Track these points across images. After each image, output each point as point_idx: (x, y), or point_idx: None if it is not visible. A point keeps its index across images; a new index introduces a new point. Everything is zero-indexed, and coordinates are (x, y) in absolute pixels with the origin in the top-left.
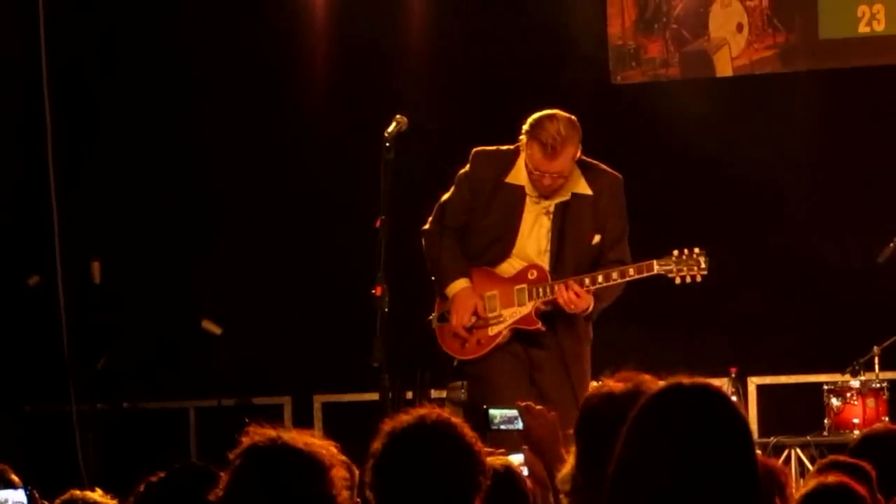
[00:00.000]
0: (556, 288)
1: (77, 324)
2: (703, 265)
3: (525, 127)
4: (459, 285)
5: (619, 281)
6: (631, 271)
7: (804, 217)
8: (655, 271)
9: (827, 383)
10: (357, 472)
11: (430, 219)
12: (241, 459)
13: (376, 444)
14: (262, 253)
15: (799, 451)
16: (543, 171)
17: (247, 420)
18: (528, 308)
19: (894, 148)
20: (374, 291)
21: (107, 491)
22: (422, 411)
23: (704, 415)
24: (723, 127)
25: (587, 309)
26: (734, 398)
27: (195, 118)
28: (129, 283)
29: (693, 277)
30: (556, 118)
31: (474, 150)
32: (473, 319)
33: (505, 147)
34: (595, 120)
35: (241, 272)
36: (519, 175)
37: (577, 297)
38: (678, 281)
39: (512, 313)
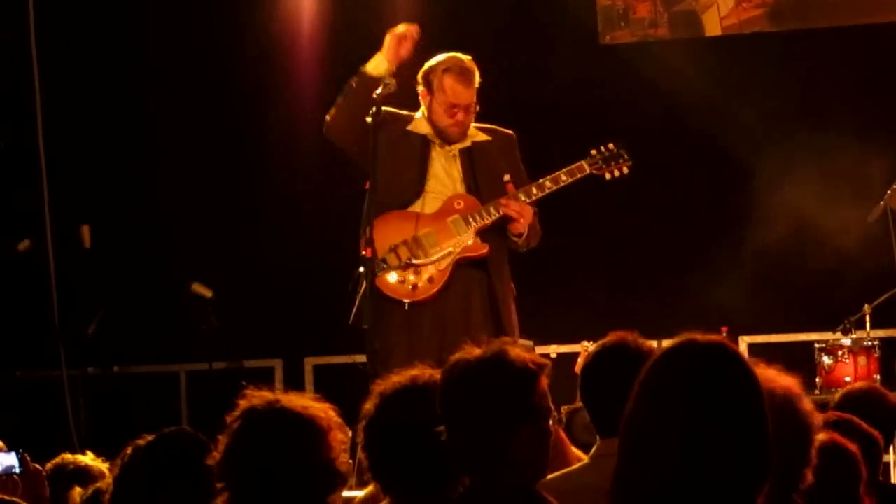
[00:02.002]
0: (498, 204)
1: (67, 288)
2: (626, 157)
3: (423, 74)
4: (378, 57)
5: (554, 188)
6: (563, 177)
7: (793, 176)
8: (587, 171)
9: (818, 342)
10: (350, 434)
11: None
12: (239, 423)
13: (368, 406)
14: (251, 215)
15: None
16: (458, 101)
17: (243, 383)
18: (469, 235)
19: (884, 107)
20: (363, 253)
21: (98, 454)
22: (413, 372)
23: (718, 371)
24: (711, 86)
25: (526, 229)
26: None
27: (184, 82)
28: (119, 247)
29: (621, 170)
30: (454, 54)
31: (373, 109)
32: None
33: (401, 111)
34: (584, 80)
35: (231, 235)
36: (420, 126)
37: (523, 207)
38: (608, 177)
39: (455, 244)
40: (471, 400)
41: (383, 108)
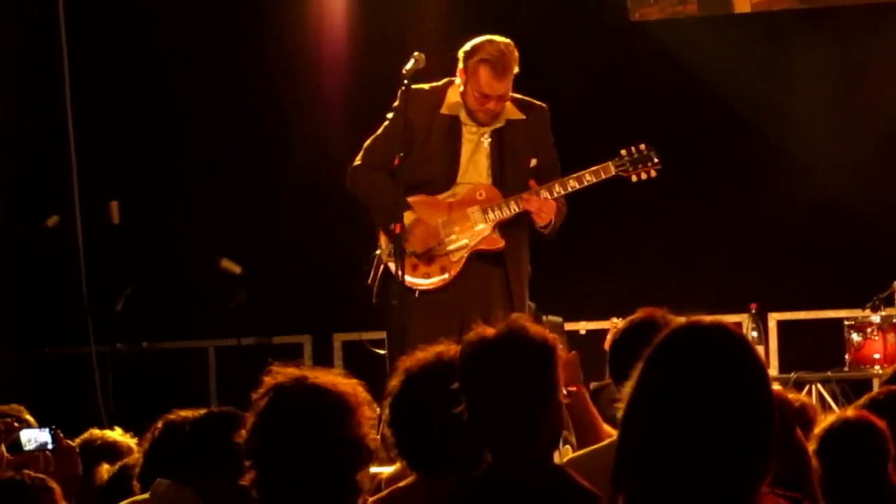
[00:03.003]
0: (518, 200)
1: (96, 265)
2: (655, 159)
3: (463, 54)
4: (409, 217)
5: (577, 187)
6: (588, 177)
7: (823, 153)
8: (613, 173)
9: (847, 319)
10: (377, 411)
11: (358, 158)
12: (267, 400)
13: (394, 382)
14: (281, 191)
15: (820, 386)
16: (490, 93)
17: (269, 360)
18: (487, 228)
19: None
20: (393, 228)
21: (126, 430)
22: (439, 348)
23: (721, 354)
24: (740, 63)
25: (551, 221)
26: (754, 334)
27: (212, 57)
28: (147, 223)
29: (648, 173)
30: (495, 41)
31: (403, 88)
32: (434, 243)
33: (432, 84)
34: (612, 57)
35: (260, 210)
36: (452, 107)
37: (544, 203)
38: (634, 179)
39: (472, 236)
40: (490, 376)
41: (413, 86)
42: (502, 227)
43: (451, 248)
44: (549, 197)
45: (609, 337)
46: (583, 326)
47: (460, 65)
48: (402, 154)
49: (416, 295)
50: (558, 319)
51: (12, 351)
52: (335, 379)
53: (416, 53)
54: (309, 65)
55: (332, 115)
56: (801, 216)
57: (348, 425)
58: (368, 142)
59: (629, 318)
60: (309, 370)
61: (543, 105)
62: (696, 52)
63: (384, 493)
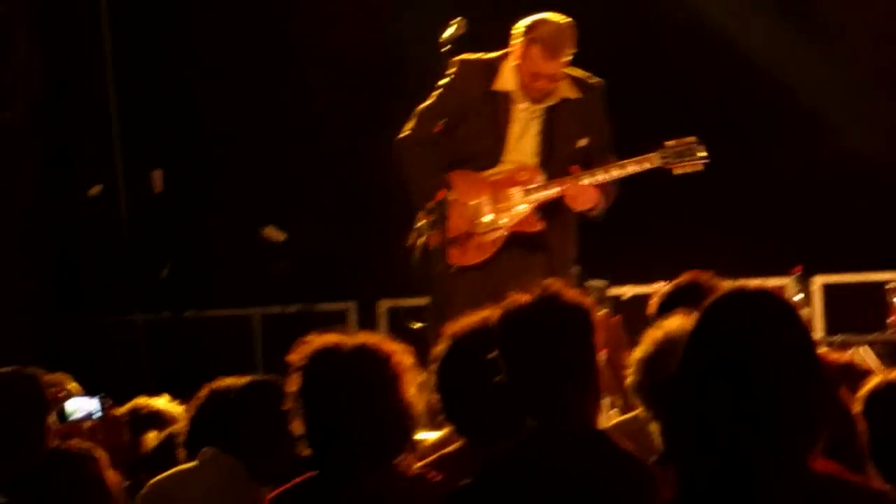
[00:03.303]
0: (558, 185)
1: (140, 234)
2: (701, 154)
3: (518, 31)
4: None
5: (618, 176)
6: (631, 167)
7: (866, 115)
8: (656, 164)
9: (890, 281)
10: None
11: (409, 125)
12: (309, 361)
13: (440, 347)
14: (324, 156)
15: (864, 349)
16: (544, 73)
17: (313, 327)
18: (527, 209)
19: None
20: (438, 194)
21: (174, 397)
22: (484, 313)
23: (765, 320)
24: (779, 29)
25: (595, 206)
26: (799, 297)
27: (257, 24)
28: (190, 191)
29: (694, 167)
30: (552, 20)
31: (458, 58)
32: (466, 228)
33: (487, 55)
34: (647, 22)
35: (304, 177)
36: (506, 82)
37: (583, 191)
38: (677, 171)
39: (511, 217)
40: (528, 341)
41: (460, 56)
42: (547, 210)
43: (488, 227)
44: (589, 183)
45: (654, 300)
46: (628, 290)
47: (515, 41)
48: (445, 119)
49: (453, 270)
50: (601, 283)
51: (57, 320)
52: (382, 343)
53: (457, 19)
54: (354, 29)
55: (374, 81)
56: (846, 178)
57: (396, 389)
58: (418, 110)
59: (674, 282)
60: (356, 333)
61: (601, 81)
62: (733, 17)
63: (432, 458)
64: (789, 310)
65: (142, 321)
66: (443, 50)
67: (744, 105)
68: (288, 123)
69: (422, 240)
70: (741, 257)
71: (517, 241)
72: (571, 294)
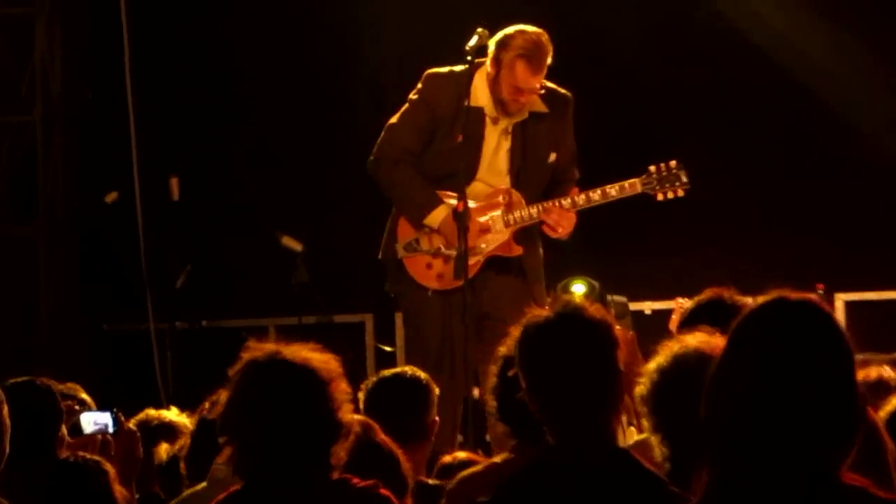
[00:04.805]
0: (540, 209)
1: (155, 241)
2: (683, 179)
3: (496, 45)
4: (442, 213)
5: (600, 202)
6: (613, 191)
7: (894, 126)
8: (639, 190)
9: None
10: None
11: (380, 145)
12: (241, 375)
13: (501, 349)
14: (343, 166)
15: (888, 368)
16: (525, 87)
17: (330, 338)
18: (506, 234)
19: None
20: (456, 207)
21: (184, 409)
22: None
23: (808, 330)
24: (804, 35)
25: (571, 231)
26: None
27: (273, 28)
28: (207, 199)
29: (675, 193)
30: (529, 32)
31: (427, 72)
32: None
33: (458, 68)
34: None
35: (322, 186)
36: (478, 96)
37: (564, 216)
38: (660, 198)
39: (489, 241)
40: (551, 356)
41: (431, 71)
42: (521, 232)
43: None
44: (570, 209)
45: (674, 317)
46: (648, 306)
47: (491, 54)
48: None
49: (429, 294)
50: (623, 299)
51: (70, 328)
52: (309, 354)
53: (479, 29)
54: (368, 36)
55: (393, 86)
56: (870, 194)
57: (321, 399)
58: (389, 125)
59: (696, 299)
60: (285, 346)
61: (568, 94)
62: (753, 22)
63: (479, 468)
64: (831, 321)
65: (155, 330)
66: (468, 59)
67: (766, 117)
68: (306, 131)
69: (397, 262)
70: (762, 273)
71: (493, 262)
72: (593, 309)
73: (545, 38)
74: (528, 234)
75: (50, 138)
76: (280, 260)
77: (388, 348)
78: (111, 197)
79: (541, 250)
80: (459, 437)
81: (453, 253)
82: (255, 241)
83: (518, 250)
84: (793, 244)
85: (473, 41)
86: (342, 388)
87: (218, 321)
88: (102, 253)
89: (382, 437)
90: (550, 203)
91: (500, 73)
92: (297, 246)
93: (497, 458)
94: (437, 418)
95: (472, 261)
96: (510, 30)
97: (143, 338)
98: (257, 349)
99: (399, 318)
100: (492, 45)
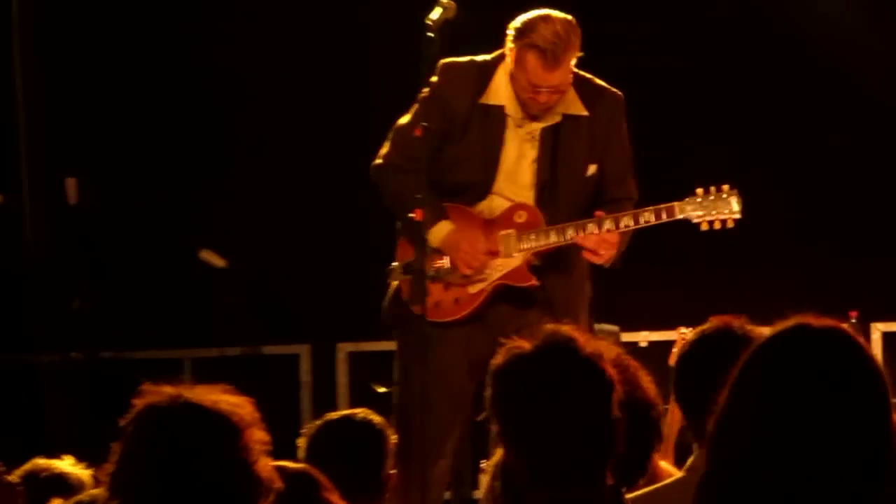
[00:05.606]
0: (578, 233)
1: (47, 254)
2: (735, 207)
3: (511, 33)
4: (444, 229)
5: (632, 228)
6: (646, 217)
7: None
8: (676, 216)
9: None
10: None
11: (386, 148)
12: (136, 424)
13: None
14: (276, 172)
15: None
16: (540, 85)
17: (257, 374)
18: (517, 259)
19: None
20: (412, 216)
21: (81, 458)
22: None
23: (833, 361)
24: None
25: (614, 255)
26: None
27: (195, 22)
28: (112, 205)
29: (724, 223)
30: (551, 19)
31: (442, 62)
32: (484, 259)
33: (479, 58)
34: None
35: (250, 193)
36: (498, 93)
37: (602, 241)
38: (704, 227)
39: (497, 266)
40: (529, 399)
41: (446, 60)
42: (552, 259)
43: (469, 278)
44: (612, 229)
45: (675, 350)
46: (644, 337)
47: (508, 43)
48: (425, 124)
49: (425, 326)
50: (614, 328)
51: None
52: (217, 396)
53: (444, 0)
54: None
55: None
56: None
57: (234, 449)
58: (396, 128)
59: (700, 329)
60: (187, 388)
61: (618, 94)
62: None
63: None
64: (863, 352)
65: (45, 362)
66: (426, 34)
67: (793, 127)
68: (232, 126)
69: (394, 283)
70: (784, 300)
71: (508, 295)
72: (583, 341)
73: (571, 27)
74: (558, 260)
75: None
76: (199, 279)
77: (381, 389)
78: None
79: (583, 280)
80: (447, 494)
81: (457, 278)
82: (169, 256)
83: (531, 279)
84: (820, 267)
85: (437, 13)
86: (259, 436)
87: (122, 352)
88: None
89: (327, 493)
90: (588, 225)
91: (515, 63)
92: (219, 262)
93: None
94: (393, 471)
95: (473, 290)
96: (532, 14)
97: (29, 371)
98: (154, 392)
99: (341, 350)
100: (509, 30)
